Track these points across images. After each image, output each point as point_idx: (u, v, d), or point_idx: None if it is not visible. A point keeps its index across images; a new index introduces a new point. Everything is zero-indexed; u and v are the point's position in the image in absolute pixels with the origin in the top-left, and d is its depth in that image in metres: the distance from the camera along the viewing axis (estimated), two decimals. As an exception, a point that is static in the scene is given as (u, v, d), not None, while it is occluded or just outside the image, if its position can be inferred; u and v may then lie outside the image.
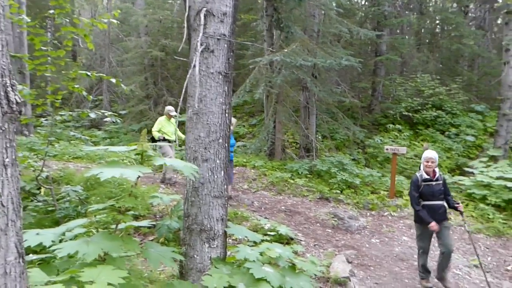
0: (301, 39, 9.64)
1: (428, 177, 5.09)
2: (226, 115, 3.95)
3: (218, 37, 3.77)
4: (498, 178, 8.99)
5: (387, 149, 9.91)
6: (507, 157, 11.35)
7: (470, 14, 20.67)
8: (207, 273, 3.62)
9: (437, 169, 5.19)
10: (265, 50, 11.15)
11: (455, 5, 20.59)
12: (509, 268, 6.12)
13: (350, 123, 12.03)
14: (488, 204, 8.52)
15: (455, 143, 13.61)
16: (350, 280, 5.00)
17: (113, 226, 3.33)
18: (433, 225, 4.97)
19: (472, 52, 17.49)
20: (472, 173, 10.05)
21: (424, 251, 5.21)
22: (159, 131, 8.50)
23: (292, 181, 9.83)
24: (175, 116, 8.78)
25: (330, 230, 7.21)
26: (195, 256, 3.84)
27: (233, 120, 7.72)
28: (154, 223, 5.92)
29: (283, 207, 8.24)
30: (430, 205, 5.07)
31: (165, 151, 8.41)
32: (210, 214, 3.85)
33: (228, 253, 4.22)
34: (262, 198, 8.81)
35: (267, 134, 11.36)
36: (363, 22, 16.17)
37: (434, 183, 5.10)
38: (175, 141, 8.61)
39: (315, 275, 4.70)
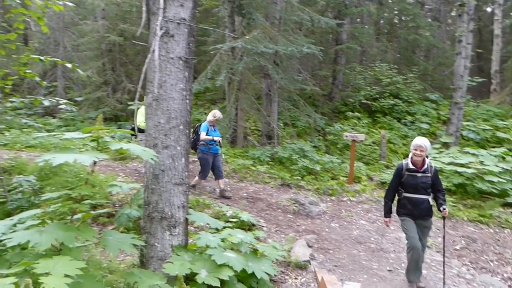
0: (263, 26, 9.62)
1: (413, 167, 4.61)
2: (187, 101, 3.89)
3: (178, 22, 3.69)
4: (449, 163, 9.44)
5: (346, 136, 10.15)
6: (458, 144, 11.93)
7: (426, 6, 21.37)
8: (169, 260, 3.59)
9: (427, 160, 4.64)
10: (226, 36, 11.04)
11: (412, -4, 21.19)
12: (457, 247, 6.48)
13: (311, 111, 12.20)
14: (440, 188, 8.93)
15: (410, 131, 14.14)
16: (310, 264, 5.13)
17: (70, 217, 3.23)
18: (386, 221, 4.78)
19: (428, 43, 18.14)
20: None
21: (412, 246, 4.55)
22: (140, 122, 8.05)
23: (254, 168, 9.88)
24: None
25: (291, 216, 7.34)
26: (156, 244, 3.79)
27: (219, 113, 7.63)
28: (113, 212, 5.80)
29: (245, 194, 8.28)
30: (410, 198, 4.64)
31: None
32: (171, 202, 3.81)
33: (190, 240, 4.20)
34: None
35: (229, 122, 11.32)
36: (324, 11, 16.33)
37: (419, 174, 4.59)
38: None
39: (277, 259, 4.77)
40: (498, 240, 6.83)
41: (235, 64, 9.90)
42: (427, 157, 4.65)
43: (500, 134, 12.27)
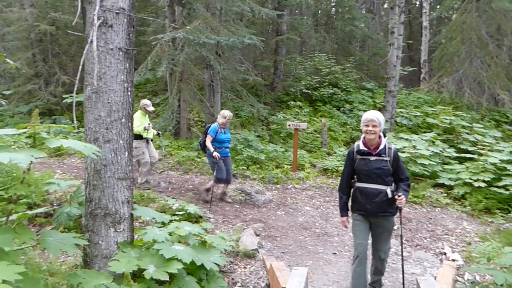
0: (204, 17, 9.50)
1: (365, 149, 3.71)
2: (129, 93, 3.78)
3: (117, 11, 3.55)
4: (385, 148, 9.98)
5: (289, 125, 10.37)
6: (392, 130, 12.64)
7: (360, -2, 22.21)
8: (114, 258, 3.50)
9: (384, 140, 3.75)
10: (167, 26, 10.77)
11: (348, -12, 21.89)
12: (394, 228, 6.88)
13: (254, 101, 12.30)
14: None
15: (349, 118, 14.72)
16: (258, 252, 5.23)
17: (4, 218, 3.03)
18: (343, 221, 4.00)
19: (363, 34, 18.88)
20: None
21: (357, 255, 3.73)
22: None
23: (199, 159, 9.81)
24: (152, 111, 8.36)
25: (238, 206, 7.40)
26: (100, 242, 3.67)
27: (228, 113, 7.12)
28: (51, 211, 5.51)
29: (190, 186, 8.22)
30: (362, 189, 3.75)
31: (142, 151, 7.51)
32: (115, 197, 3.70)
33: (136, 236, 4.11)
34: (169, 178, 8.67)
35: (171, 113, 11.12)
36: (265, 2, 16.41)
37: (373, 158, 3.68)
38: (152, 139, 7.84)
39: (225, 250, 4.81)
40: (430, 218, 7.37)
41: (176, 55, 9.70)
42: (384, 135, 3.77)
43: (429, 120, 13.14)
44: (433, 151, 9.79)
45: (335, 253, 5.43)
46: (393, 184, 3.70)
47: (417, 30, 23.58)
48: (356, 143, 3.84)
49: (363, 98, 16.15)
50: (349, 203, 3.97)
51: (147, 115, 7.80)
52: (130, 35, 3.77)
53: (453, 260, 5.42)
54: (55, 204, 5.95)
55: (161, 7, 14.28)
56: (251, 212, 7.14)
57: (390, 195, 3.63)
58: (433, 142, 10.58)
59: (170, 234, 3.86)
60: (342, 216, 4.00)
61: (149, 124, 7.66)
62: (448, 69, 15.68)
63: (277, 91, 16.32)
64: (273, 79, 16.69)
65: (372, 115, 3.69)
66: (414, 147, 9.82)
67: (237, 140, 10.67)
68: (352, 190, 3.91)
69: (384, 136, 3.80)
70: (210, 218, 6.51)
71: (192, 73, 11.82)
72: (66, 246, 3.15)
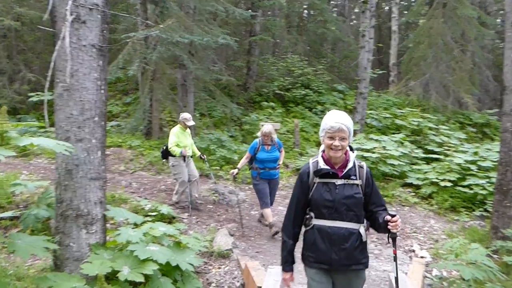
0: (177, 15, 9.40)
1: (327, 167, 2.50)
2: (102, 91, 3.70)
3: (91, 7, 3.47)
4: (356, 149, 10.16)
5: (262, 125, 10.38)
6: (363, 131, 12.90)
7: (332, 2, 22.59)
8: (87, 260, 3.41)
9: (353, 156, 2.55)
10: (139, 24, 10.60)
11: (320, -9, 22.23)
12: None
13: (227, 101, 12.28)
14: (349, 173, 9.61)
15: (321, 119, 14.75)
16: (233, 252, 5.23)
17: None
18: (286, 279, 2.80)
19: (335, 37, 19.21)
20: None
21: None
22: (178, 145, 6.65)
23: (171, 160, 9.70)
24: (192, 126, 7.40)
25: (211, 206, 7.37)
26: (72, 244, 3.57)
27: (267, 127, 6.01)
28: (18, 213, 5.31)
29: (163, 187, 8.12)
30: (324, 229, 2.50)
31: (180, 170, 6.68)
32: (87, 198, 3.61)
33: (108, 237, 4.02)
34: (140, 178, 8.54)
35: (143, 113, 10.95)
36: (238, 2, 16.43)
37: (339, 181, 2.49)
38: (191, 156, 6.99)
39: (200, 250, 4.78)
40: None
41: (149, 53, 9.55)
42: (351, 149, 2.58)
43: (398, 122, 13.50)
44: (402, 152, 10.06)
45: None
46: (365, 220, 2.54)
47: (386, 34, 24.18)
48: (311, 160, 2.60)
49: (335, 99, 16.41)
50: (298, 252, 2.72)
51: (187, 131, 6.91)
52: (104, 31, 3.69)
53: (422, 257, 5.60)
54: (21, 206, 5.74)
55: (132, 4, 14.01)
56: (225, 212, 7.13)
57: (364, 237, 2.50)
58: (402, 143, 10.87)
59: (144, 234, 3.79)
60: (285, 270, 2.75)
61: (185, 148, 6.69)
62: (416, 73, 16.17)
63: (250, 91, 16.35)
64: (246, 80, 16.71)
65: (340, 121, 2.41)
66: (384, 147, 10.06)
67: (210, 140, 10.63)
68: (304, 231, 2.63)
69: (352, 149, 2.57)
70: (183, 218, 6.45)
71: (165, 72, 11.67)
72: (36, 249, 3.06)
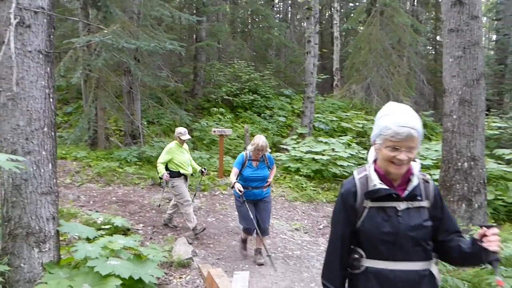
0: (121, 20, 9.10)
1: (384, 187, 1.73)
2: (51, 99, 3.49)
3: (36, 10, 3.27)
4: (307, 152, 10.44)
5: (214, 131, 10.34)
6: (311, 134, 13.24)
7: (275, 8, 23.03)
8: (41, 281, 3.19)
9: (417, 167, 1.79)
10: (80, 30, 10.14)
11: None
12: (321, 227, 7.23)
13: (176, 108, 12.08)
14: (301, 175, 9.82)
15: (270, 124, 15.12)
16: (193, 261, 5.12)
17: None
18: None
19: (280, 42, 19.56)
20: (286, 149, 11.41)
21: None
22: (169, 162, 6.10)
23: (121, 170, 9.35)
24: (188, 140, 6.55)
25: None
26: (22, 265, 3.33)
27: (259, 139, 4.99)
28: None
29: (114, 198, 7.79)
30: (385, 273, 1.73)
31: (181, 191, 6.09)
32: (38, 214, 3.38)
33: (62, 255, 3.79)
34: (89, 191, 8.13)
35: (88, 122, 10.46)
36: (183, 8, 16.27)
37: (402, 205, 1.73)
38: (192, 175, 6.32)
39: (160, 261, 4.64)
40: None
41: (92, 60, 9.15)
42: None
43: (344, 124, 14.02)
44: (350, 153, 10.44)
45: (270, 255, 5.50)
46: (432, 257, 1.79)
47: (328, 40, 25.07)
48: (358, 175, 1.82)
49: (282, 104, 16.71)
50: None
51: (184, 146, 6.36)
52: (51, 36, 3.50)
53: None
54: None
55: (71, 9, 13.40)
56: (181, 220, 6.96)
57: (438, 279, 1.79)
58: (349, 144, 11.29)
59: (102, 249, 3.61)
60: None
61: (182, 165, 6.12)
62: (358, 77, 16.91)
63: (198, 97, 16.21)
64: (194, 86, 16.57)
65: (408, 124, 1.62)
66: (333, 150, 10.39)
67: (161, 148, 10.34)
68: (349, 277, 1.84)
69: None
70: (138, 230, 6.23)
71: (109, 80, 11.25)
72: (-17, 272, 2.81)
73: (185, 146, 6.43)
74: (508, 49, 18.83)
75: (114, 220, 5.64)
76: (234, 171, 5.05)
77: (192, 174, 6.32)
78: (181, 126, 13.35)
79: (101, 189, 8.29)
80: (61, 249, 3.93)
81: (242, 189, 4.79)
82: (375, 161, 1.81)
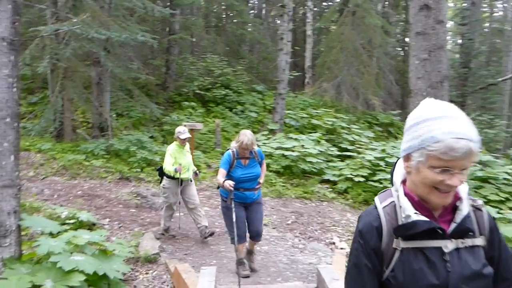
0: (92, 10, 8.85)
1: (423, 218, 1.20)
2: (14, 89, 3.39)
3: (0, -4, 3.15)
4: (277, 148, 10.53)
5: (185, 125, 10.23)
6: (282, 130, 13.34)
7: (250, 4, 23.00)
8: (1, 277, 3.10)
9: (465, 190, 1.28)
10: (48, 18, 9.79)
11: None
12: (289, 222, 7.32)
13: (147, 101, 11.89)
14: (271, 171, 9.90)
15: (241, 119, 15.13)
16: (160, 256, 5.10)
17: None
18: None
19: (253, 38, 19.57)
20: (257, 145, 11.45)
21: None
22: (174, 164, 5.70)
23: (87, 163, 9.13)
24: (188, 139, 6.05)
25: (134, 210, 7.09)
26: (-19, 259, 3.22)
27: (245, 135, 4.42)
28: None
29: (80, 192, 7.61)
30: None
31: (168, 193, 5.80)
32: (-1, 208, 3.28)
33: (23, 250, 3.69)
34: (53, 184, 7.91)
35: (54, 113, 10.14)
36: (156, -1, 15.99)
37: (450, 245, 1.22)
38: (191, 180, 5.97)
39: (126, 256, 4.58)
40: (319, 212, 7.98)
41: (61, 49, 8.87)
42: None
43: (314, 121, 14.18)
44: (319, 150, 10.61)
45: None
46: None
47: (301, 38, 25.22)
48: (381, 203, 1.33)
49: (254, 100, 16.73)
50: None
51: (185, 148, 5.99)
52: (16, 23, 3.39)
53: (342, 248, 5.97)
54: None
55: (38, -5, 12.91)
56: (149, 215, 6.91)
57: None
58: (319, 141, 11.46)
59: (66, 244, 3.54)
60: None
61: (180, 165, 5.69)
62: (329, 75, 17.13)
63: (169, 91, 16.00)
64: (165, 79, 16.33)
65: (468, 133, 1.13)
66: (303, 146, 10.52)
67: (130, 142, 10.22)
68: None
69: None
70: (104, 224, 6.13)
71: (77, 70, 10.93)
72: None
73: (186, 147, 6.04)
74: (472, 53, 19.56)
75: (79, 215, 5.53)
76: (222, 172, 4.40)
77: (190, 180, 5.96)
78: (151, 119, 13.27)
79: (66, 182, 8.08)
80: (23, 244, 3.83)
81: (232, 183, 4.21)
82: (404, 181, 1.32)
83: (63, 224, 5.34)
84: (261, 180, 4.63)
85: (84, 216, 5.51)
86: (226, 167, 4.42)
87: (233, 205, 4.30)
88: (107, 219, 6.37)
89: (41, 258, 3.56)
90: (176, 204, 5.93)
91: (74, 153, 9.49)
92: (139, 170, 9.39)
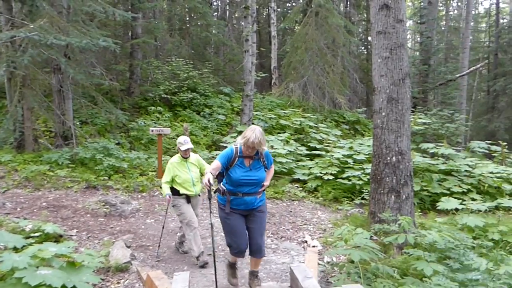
0: (49, 15, 8.57)
1: None
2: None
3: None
4: (247, 150, 10.53)
5: (152, 131, 10.11)
6: (251, 132, 13.37)
7: (213, 5, 22.94)
8: (-39, 296, 2.95)
9: None
10: (2, 24, 9.41)
11: (200, -5, 22.38)
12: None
13: (111, 107, 11.62)
14: (241, 173, 9.89)
15: (209, 122, 15.06)
16: (131, 264, 5.01)
17: None
18: None
19: (218, 40, 19.53)
20: (226, 147, 11.43)
21: None
22: (172, 181, 5.23)
23: (52, 173, 8.83)
24: (190, 149, 5.30)
25: (102, 219, 6.93)
26: None
27: (252, 132, 3.74)
28: None
29: (44, 204, 7.36)
30: None
31: (183, 211, 5.17)
32: (-43, 224, 3.12)
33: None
34: (16, 197, 7.61)
35: (13, 124, 9.75)
36: (117, 3, 15.68)
37: None
38: (199, 195, 5.41)
39: (96, 267, 4.47)
40: (291, 211, 8.06)
41: (18, 57, 8.53)
42: None
43: (282, 122, 14.30)
44: (288, 150, 10.71)
45: (210, 254, 5.51)
46: None
47: (266, 39, 25.42)
48: None
49: (221, 102, 16.70)
50: None
51: (189, 160, 5.32)
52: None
53: (314, 247, 6.04)
54: None
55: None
56: (118, 223, 6.77)
57: None
58: (288, 141, 11.58)
59: (32, 258, 3.42)
60: None
61: (186, 184, 5.21)
62: (295, 76, 17.35)
63: (134, 96, 15.72)
64: (130, 84, 16.03)
65: None
66: (272, 147, 10.59)
67: (96, 149, 9.97)
68: None
69: None
70: (72, 235, 5.96)
71: (37, 78, 10.56)
72: None
73: (193, 158, 5.37)
74: (431, 51, 20.27)
75: (44, 227, 5.36)
76: (215, 164, 3.76)
77: (199, 195, 5.45)
78: (117, 125, 12.98)
79: (30, 194, 7.79)
80: (-16, 260, 3.67)
81: (223, 187, 3.78)
82: None
83: (28, 237, 5.15)
84: (266, 183, 4.00)
85: (49, 228, 5.34)
86: (223, 161, 3.78)
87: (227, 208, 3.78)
88: (75, 230, 6.20)
89: (5, 274, 3.42)
90: (195, 220, 5.23)
91: (36, 164, 9.16)
92: (106, 178, 9.17)
